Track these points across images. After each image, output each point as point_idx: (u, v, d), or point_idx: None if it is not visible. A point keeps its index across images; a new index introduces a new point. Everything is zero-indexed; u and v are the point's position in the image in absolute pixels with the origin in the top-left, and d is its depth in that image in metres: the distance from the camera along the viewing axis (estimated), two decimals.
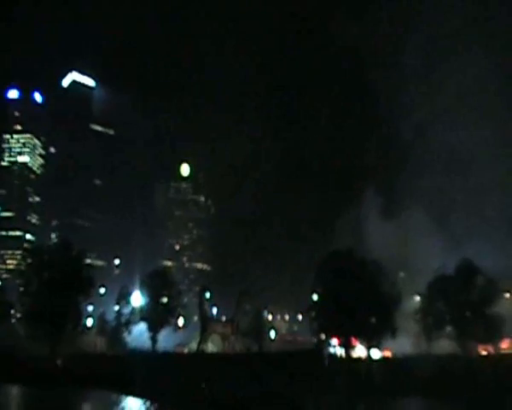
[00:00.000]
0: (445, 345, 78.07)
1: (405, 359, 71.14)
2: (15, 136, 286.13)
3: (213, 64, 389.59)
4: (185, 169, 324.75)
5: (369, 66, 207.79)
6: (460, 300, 78.04)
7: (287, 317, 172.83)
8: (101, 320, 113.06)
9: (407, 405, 55.01)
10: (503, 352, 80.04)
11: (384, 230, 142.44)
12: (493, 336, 75.53)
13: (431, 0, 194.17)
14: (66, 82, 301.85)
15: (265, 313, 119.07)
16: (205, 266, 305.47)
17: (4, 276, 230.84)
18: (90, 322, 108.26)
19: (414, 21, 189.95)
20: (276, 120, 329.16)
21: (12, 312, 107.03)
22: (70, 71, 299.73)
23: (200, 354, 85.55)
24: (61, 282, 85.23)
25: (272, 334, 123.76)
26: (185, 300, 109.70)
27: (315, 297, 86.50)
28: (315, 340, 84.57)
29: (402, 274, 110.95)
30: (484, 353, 79.49)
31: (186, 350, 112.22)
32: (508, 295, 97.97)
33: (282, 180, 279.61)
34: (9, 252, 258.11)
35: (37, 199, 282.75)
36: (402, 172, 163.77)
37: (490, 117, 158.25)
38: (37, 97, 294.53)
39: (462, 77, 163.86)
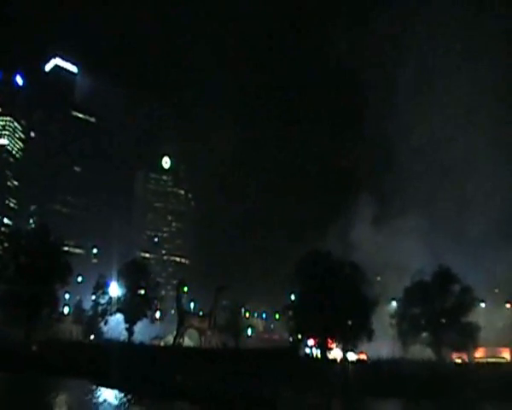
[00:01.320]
0: (420, 351, 78.95)
1: (380, 362, 71.71)
2: None
3: (210, 63, 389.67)
4: (166, 162, 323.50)
5: (368, 67, 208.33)
6: (436, 306, 78.94)
7: (264, 315, 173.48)
8: (77, 309, 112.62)
9: (383, 405, 55.66)
10: (477, 361, 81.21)
11: (371, 234, 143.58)
12: (468, 345, 76.65)
13: (432, 5, 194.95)
14: (48, 66, 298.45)
15: (243, 309, 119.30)
16: (183, 260, 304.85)
17: None
18: (66, 310, 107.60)
19: (413, 23, 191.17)
20: (269, 121, 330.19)
21: None
22: (53, 56, 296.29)
23: (176, 348, 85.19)
24: (37, 267, 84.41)
25: (249, 331, 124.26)
26: (163, 292, 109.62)
27: (292, 296, 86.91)
28: (291, 339, 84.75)
29: (379, 278, 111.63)
30: (458, 360, 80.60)
31: (162, 343, 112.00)
32: (483, 304, 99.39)
33: (268, 178, 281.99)
34: None
35: (16, 183, 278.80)
36: (393, 178, 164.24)
37: (486, 126, 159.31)
38: (19, 80, 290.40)
39: (460, 85, 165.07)
